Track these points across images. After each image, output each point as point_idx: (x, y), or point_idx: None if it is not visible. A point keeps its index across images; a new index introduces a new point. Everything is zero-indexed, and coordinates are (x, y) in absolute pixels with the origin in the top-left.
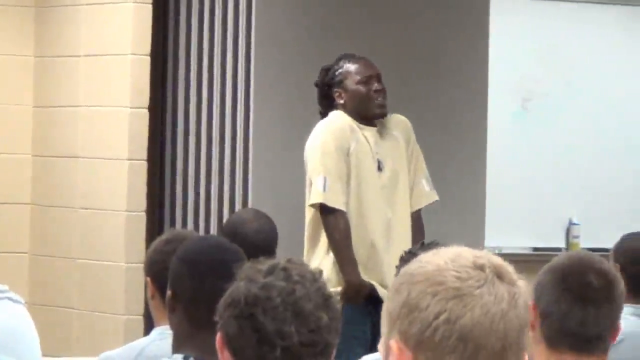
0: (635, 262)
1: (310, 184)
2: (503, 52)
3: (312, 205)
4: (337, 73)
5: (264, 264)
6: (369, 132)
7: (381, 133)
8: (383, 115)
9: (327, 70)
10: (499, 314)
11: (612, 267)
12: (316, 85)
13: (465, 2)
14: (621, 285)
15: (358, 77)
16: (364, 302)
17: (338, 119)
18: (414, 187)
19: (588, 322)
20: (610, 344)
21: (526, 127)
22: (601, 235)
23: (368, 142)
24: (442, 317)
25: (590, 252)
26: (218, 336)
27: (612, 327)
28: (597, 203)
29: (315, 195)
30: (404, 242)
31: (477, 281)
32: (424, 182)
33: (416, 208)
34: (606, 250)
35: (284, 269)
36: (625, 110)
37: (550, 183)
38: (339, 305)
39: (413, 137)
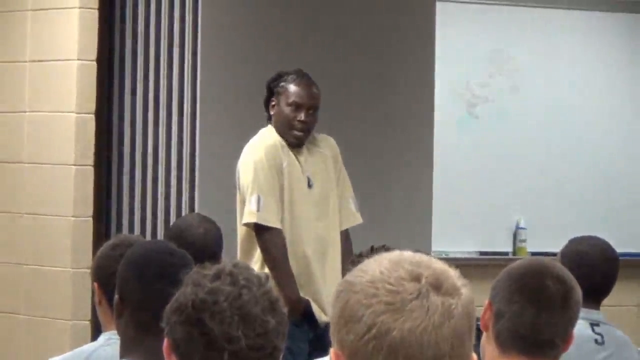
0: (582, 265)
1: (243, 201)
2: (449, 58)
3: (247, 225)
4: (280, 84)
5: (210, 268)
6: (298, 150)
7: (309, 150)
8: (298, 145)
9: (278, 76)
10: (430, 327)
11: (572, 276)
12: (265, 87)
13: (411, 8)
14: (578, 294)
15: (290, 100)
16: (301, 318)
17: (270, 136)
18: (342, 206)
19: (540, 326)
20: (563, 351)
21: (472, 133)
22: (548, 239)
23: (297, 160)
24: (373, 331)
25: (554, 261)
26: (165, 342)
27: (565, 334)
28: (544, 207)
29: (249, 215)
30: (337, 259)
31: (410, 294)
32: (351, 202)
33: (344, 227)
34: (553, 254)
35: (231, 274)
36: (570, 115)
37: (497, 188)
38: (285, 309)
39: (340, 157)
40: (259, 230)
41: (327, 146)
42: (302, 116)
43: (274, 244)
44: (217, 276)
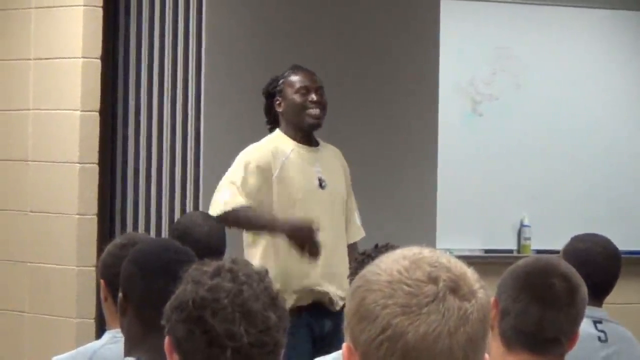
0: (584, 263)
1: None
2: (453, 56)
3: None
4: (279, 82)
5: (209, 265)
6: (309, 150)
7: (322, 154)
8: (317, 126)
9: (274, 80)
10: (445, 332)
11: (577, 274)
12: (263, 94)
13: (416, 5)
14: (584, 292)
15: (297, 86)
16: (306, 313)
17: (269, 141)
18: (350, 219)
19: (545, 323)
20: (568, 349)
21: (477, 130)
22: (552, 237)
23: (310, 158)
24: (387, 333)
25: (560, 258)
26: (166, 340)
27: (571, 332)
28: (548, 205)
29: (215, 206)
30: (344, 267)
31: (427, 297)
32: (357, 216)
33: (352, 241)
34: (557, 252)
35: (230, 270)
36: (575, 112)
37: (501, 185)
38: (285, 304)
39: (348, 171)
40: (222, 221)
41: (337, 157)
42: (313, 97)
43: (237, 219)
44: (217, 273)
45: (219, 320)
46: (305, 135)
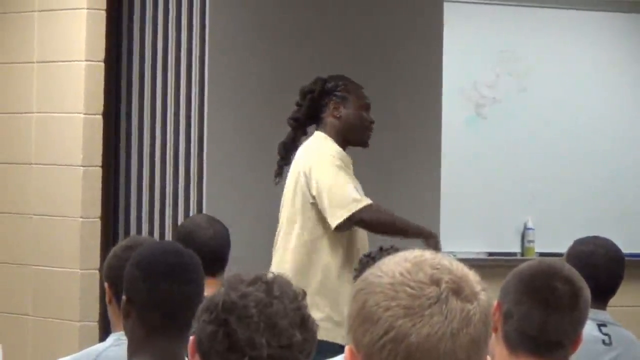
0: (587, 266)
1: (308, 203)
2: (457, 58)
3: (350, 218)
4: (339, 86)
5: (249, 275)
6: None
7: None
8: (365, 146)
9: (325, 81)
10: (448, 334)
11: (580, 277)
12: (311, 91)
13: (419, 8)
14: (587, 295)
15: (363, 102)
16: None
17: (334, 145)
18: None
19: (548, 326)
20: (571, 352)
21: (480, 133)
22: (556, 239)
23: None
24: (390, 335)
25: (563, 261)
26: (191, 340)
27: (574, 335)
28: (552, 208)
29: (355, 202)
30: None
31: (429, 299)
32: None
33: None
34: (561, 254)
35: (267, 283)
36: (578, 115)
37: (505, 188)
38: (316, 328)
39: None
40: (356, 218)
41: None
42: (371, 117)
43: (379, 213)
44: (253, 282)
45: (243, 326)
46: (345, 148)
